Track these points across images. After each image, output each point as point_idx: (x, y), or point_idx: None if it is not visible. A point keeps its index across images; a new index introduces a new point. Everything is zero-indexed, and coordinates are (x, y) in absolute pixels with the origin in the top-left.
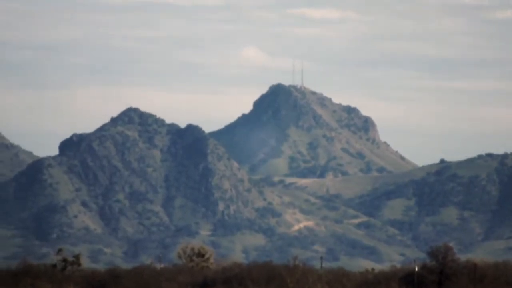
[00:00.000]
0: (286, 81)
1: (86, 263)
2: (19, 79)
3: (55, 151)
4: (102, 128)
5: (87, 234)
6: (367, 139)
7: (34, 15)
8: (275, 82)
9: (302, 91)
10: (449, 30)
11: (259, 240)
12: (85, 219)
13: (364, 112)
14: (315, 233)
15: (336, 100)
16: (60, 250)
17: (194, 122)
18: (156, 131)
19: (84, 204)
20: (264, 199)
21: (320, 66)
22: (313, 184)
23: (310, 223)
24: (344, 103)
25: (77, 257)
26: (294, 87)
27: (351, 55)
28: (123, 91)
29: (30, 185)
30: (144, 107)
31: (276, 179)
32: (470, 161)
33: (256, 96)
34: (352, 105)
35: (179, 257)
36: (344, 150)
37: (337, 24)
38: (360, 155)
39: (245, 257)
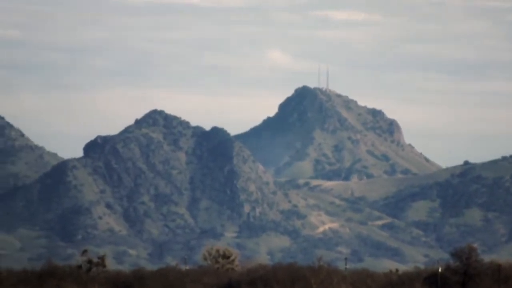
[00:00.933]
0: (311, 84)
1: (111, 265)
2: (43, 81)
3: (79, 153)
4: (127, 130)
5: (111, 236)
6: (392, 142)
7: (59, 17)
8: (299, 84)
9: (328, 94)
10: (473, 33)
11: (284, 241)
12: (110, 221)
13: (389, 114)
14: (339, 235)
15: (361, 102)
16: (85, 252)
17: (219, 124)
18: (181, 133)
19: (108, 206)
20: (289, 202)
21: (344, 69)
22: (338, 187)
23: (334, 225)
24: (369, 106)
25: (102, 258)
26: (320, 89)
27: (376, 58)
28: (148, 93)
29: (54, 187)
30: (169, 110)
31: (301, 181)
32: (494, 163)
33: (281, 98)
34: (377, 108)
35: (205, 259)
36: (369, 152)
37: (361, 26)
38: (385, 157)
39: (270, 259)
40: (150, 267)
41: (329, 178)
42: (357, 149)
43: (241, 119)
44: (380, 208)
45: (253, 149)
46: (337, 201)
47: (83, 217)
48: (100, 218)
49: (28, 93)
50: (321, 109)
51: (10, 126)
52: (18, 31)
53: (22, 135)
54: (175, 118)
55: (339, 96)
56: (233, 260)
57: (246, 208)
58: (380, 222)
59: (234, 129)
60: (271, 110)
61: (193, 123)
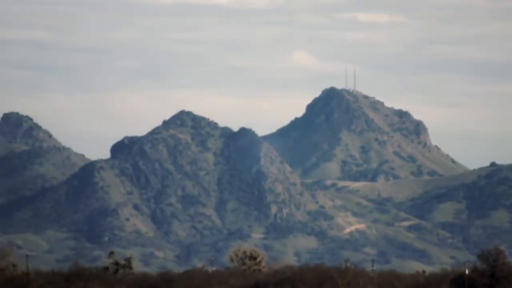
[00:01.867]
0: (338, 85)
1: (138, 267)
2: (71, 82)
3: (106, 154)
4: (154, 131)
5: (139, 237)
6: (419, 143)
7: (87, 19)
8: (326, 86)
9: (355, 95)
10: (499, 34)
11: (311, 242)
12: (137, 222)
13: (416, 116)
14: (366, 236)
15: (388, 104)
16: (111, 253)
17: (247, 125)
18: (209, 134)
19: (135, 207)
20: (316, 203)
21: (370, 70)
22: (365, 188)
23: (361, 226)
24: (396, 107)
25: (128, 260)
26: (347, 91)
27: (402, 59)
28: (175, 94)
29: (82, 188)
30: (197, 111)
31: (328, 182)
32: None
33: (308, 99)
34: (404, 109)
35: (231, 260)
36: (395, 153)
37: (387, 28)
38: (411, 159)
39: (297, 260)
40: (177, 269)
41: (356, 179)
42: (384, 150)
43: (269, 120)
44: (406, 210)
45: (280, 150)
46: (364, 202)
47: (110, 218)
48: (127, 219)
49: (56, 94)
50: (348, 110)
51: (38, 127)
52: (45, 33)
53: (50, 136)
54: (203, 119)
55: (366, 97)
56: (260, 262)
57: (273, 209)
58: (406, 223)
59: (261, 130)
60: (299, 111)
61: (221, 124)
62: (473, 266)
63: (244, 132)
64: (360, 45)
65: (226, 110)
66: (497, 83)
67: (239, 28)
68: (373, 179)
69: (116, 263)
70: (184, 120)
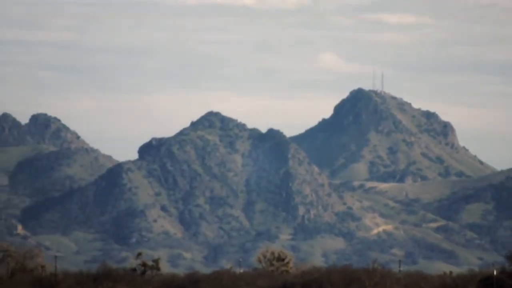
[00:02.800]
0: (365, 86)
1: (165, 268)
2: (98, 83)
3: (134, 155)
4: (182, 132)
5: (166, 239)
6: (446, 144)
7: (114, 19)
8: (353, 87)
9: (382, 96)
10: None
11: (338, 244)
12: (165, 224)
13: (443, 117)
14: (394, 237)
15: (415, 105)
16: (139, 254)
17: (275, 126)
18: (237, 135)
19: (163, 208)
20: (344, 204)
21: (397, 71)
22: (393, 189)
23: (389, 227)
24: (424, 108)
25: (156, 261)
26: (375, 92)
27: (429, 60)
28: (203, 96)
29: (109, 189)
30: (224, 112)
31: (356, 183)
32: None
33: (336, 101)
34: (431, 110)
35: (259, 261)
36: (423, 154)
37: (413, 29)
38: (439, 160)
39: (325, 261)
40: (205, 270)
41: (383, 180)
42: (411, 151)
43: (297, 121)
44: (434, 211)
45: (308, 151)
46: (392, 203)
47: (138, 219)
48: (155, 221)
49: (83, 96)
50: (376, 111)
51: (66, 128)
52: (72, 34)
53: (78, 137)
54: (231, 120)
55: (393, 98)
56: (287, 263)
57: (301, 210)
58: (434, 225)
59: (289, 131)
60: (327, 112)
61: (249, 125)
62: (501, 267)
63: (272, 133)
64: (387, 46)
65: (254, 111)
66: None
67: (266, 29)
68: (401, 180)
69: (144, 264)
70: (212, 121)
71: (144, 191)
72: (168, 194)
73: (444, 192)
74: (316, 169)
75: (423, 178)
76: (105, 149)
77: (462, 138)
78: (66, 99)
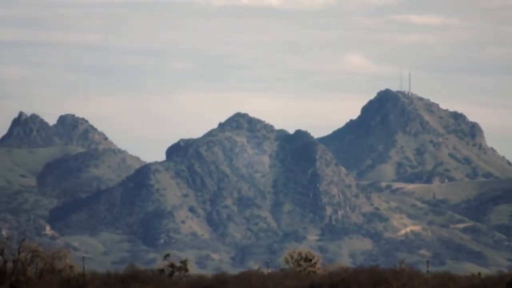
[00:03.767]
0: (392, 87)
1: (193, 269)
2: (125, 84)
3: (162, 157)
4: (210, 133)
5: (194, 240)
6: (474, 145)
7: (140, 21)
8: (381, 88)
9: (410, 97)
10: None
11: (366, 244)
12: (193, 225)
13: (471, 118)
14: (421, 238)
15: (443, 106)
16: (167, 256)
17: (303, 127)
18: (265, 136)
19: (191, 209)
20: (371, 204)
21: (424, 72)
22: (420, 189)
23: (416, 228)
24: (451, 109)
25: (184, 262)
26: (402, 93)
27: (455, 61)
28: (230, 97)
29: (137, 190)
30: (252, 113)
31: (383, 184)
32: None
33: (363, 102)
34: (459, 111)
35: (287, 262)
36: (451, 155)
37: (440, 30)
38: (466, 161)
39: (352, 262)
40: (232, 271)
41: (411, 181)
42: (439, 152)
43: (324, 122)
44: (462, 211)
45: (336, 152)
46: (419, 204)
47: (166, 221)
48: (183, 222)
49: (111, 97)
50: (403, 112)
51: (93, 129)
52: (100, 35)
53: (106, 138)
54: (258, 121)
55: (420, 99)
56: (315, 263)
57: (328, 211)
58: (462, 225)
59: (317, 132)
60: (354, 113)
61: (277, 126)
62: None
63: (300, 134)
64: (414, 47)
65: (282, 112)
66: None
67: (292, 30)
68: (428, 181)
69: (172, 266)
70: (240, 122)
71: (172, 192)
72: (196, 195)
73: (471, 193)
74: (343, 170)
75: (451, 179)
76: (132, 150)
77: (490, 139)
78: (94, 100)
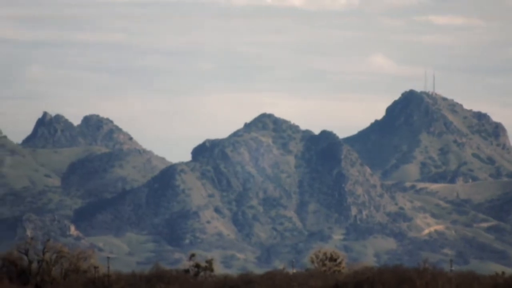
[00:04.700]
0: (416, 88)
1: (218, 269)
2: (150, 85)
3: (187, 157)
4: (236, 134)
5: (220, 240)
6: (498, 145)
7: (164, 21)
8: (405, 89)
9: (434, 98)
10: None
11: (390, 244)
12: (218, 225)
13: (494, 118)
14: (445, 237)
15: (466, 106)
16: (192, 256)
17: (328, 128)
18: (290, 137)
19: (217, 210)
20: (396, 204)
21: (448, 73)
22: (444, 189)
23: (440, 227)
24: (475, 109)
25: (209, 262)
26: (426, 93)
27: (479, 62)
28: (255, 97)
29: (162, 191)
30: (277, 113)
31: (407, 184)
32: None
33: (388, 102)
34: (483, 111)
35: (312, 261)
36: (474, 155)
37: (463, 30)
38: (490, 161)
39: (377, 261)
40: (258, 270)
41: (435, 180)
42: (462, 152)
43: (349, 123)
44: (485, 211)
45: (360, 152)
46: (443, 204)
47: (191, 221)
48: (208, 222)
49: (136, 97)
50: (427, 113)
51: (118, 130)
52: (125, 35)
53: (130, 138)
54: (284, 122)
55: (444, 99)
56: (340, 263)
57: (353, 211)
58: (485, 225)
59: (342, 133)
60: (379, 113)
61: (302, 127)
62: None
63: (325, 134)
64: (437, 47)
65: (307, 113)
66: None
67: (315, 30)
68: (452, 180)
69: (197, 266)
70: (265, 123)
71: (197, 192)
72: (221, 195)
73: (495, 192)
74: (368, 170)
75: (474, 178)
76: (158, 151)
77: None
78: (119, 100)
